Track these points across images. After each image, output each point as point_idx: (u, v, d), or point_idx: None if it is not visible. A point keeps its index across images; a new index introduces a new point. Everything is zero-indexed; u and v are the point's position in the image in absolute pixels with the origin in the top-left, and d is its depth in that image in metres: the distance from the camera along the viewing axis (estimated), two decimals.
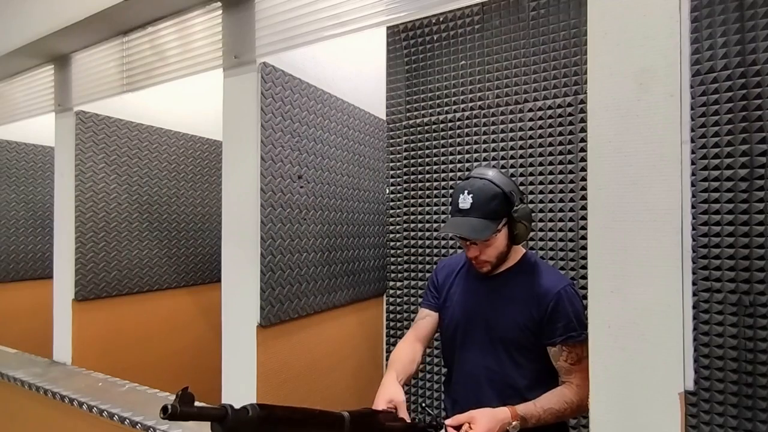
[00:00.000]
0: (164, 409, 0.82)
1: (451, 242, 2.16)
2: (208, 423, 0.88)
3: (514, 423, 1.21)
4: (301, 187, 1.75)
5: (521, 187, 1.94)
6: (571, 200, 1.85)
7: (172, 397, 0.84)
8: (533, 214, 1.92)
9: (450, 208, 1.43)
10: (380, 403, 1.26)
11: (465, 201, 1.34)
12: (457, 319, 1.51)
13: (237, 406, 0.91)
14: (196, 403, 0.86)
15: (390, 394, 1.28)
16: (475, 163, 2.08)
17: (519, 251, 1.48)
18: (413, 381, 2.25)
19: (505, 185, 1.36)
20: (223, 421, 0.87)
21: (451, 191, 2.15)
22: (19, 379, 1.94)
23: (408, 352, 1.49)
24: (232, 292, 1.67)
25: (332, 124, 1.91)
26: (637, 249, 0.98)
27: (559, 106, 1.88)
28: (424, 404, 2.22)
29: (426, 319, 1.58)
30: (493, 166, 2.01)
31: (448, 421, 1.21)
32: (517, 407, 1.24)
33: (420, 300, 2.22)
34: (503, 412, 1.21)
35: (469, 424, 1.19)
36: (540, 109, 1.92)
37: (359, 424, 1.11)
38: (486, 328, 1.43)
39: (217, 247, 2.73)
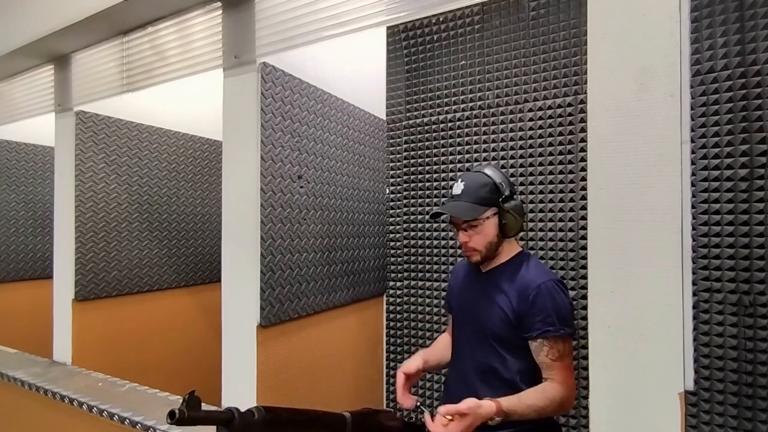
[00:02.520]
0: (171, 414, 0.81)
1: (451, 242, 2.16)
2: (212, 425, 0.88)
3: (497, 420, 1.21)
4: (301, 187, 1.75)
5: (521, 187, 1.95)
6: (571, 200, 1.85)
7: (173, 398, 0.84)
8: (532, 214, 1.92)
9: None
10: (399, 375, 1.44)
11: (457, 188, 1.43)
12: (456, 316, 1.56)
13: (239, 407, 0.91)
14: (203, 407, 0.86)
15: (407, 363, 1.47)
16: (475, 163, 2.07)
17: (514, 248, 1.49)
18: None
19: (496, 177, 1.43)
20: (230, 425, 0.87)
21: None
22: (19, 379, 1.94)
23: (443, 342, 1.63)
24: (232, 292, 1.67)
25: (332, 124, 1.91)
26: (637, 249, 0.98)
27: (559, 106, 1.87)
28: (421, 404, 2.22)
29: (450, 323, 1.65)
30: (492, 164, 2.02)
31: (442, 410, 1.20)
32: (502, 403, 1.22)
33: (420, 300, 2.24)
34: (489, 408, 1.20)
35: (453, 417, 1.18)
36: (540, 109, 1.92)
37: (360, 424, 1.12)
38: (476, 323, 1.45)
39: (217, 247, 2.72)
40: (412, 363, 1.47)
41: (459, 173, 1.48)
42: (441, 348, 1.61)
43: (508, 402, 1.24)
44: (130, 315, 2.43)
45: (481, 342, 1.43)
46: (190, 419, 0.83)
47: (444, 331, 1.72)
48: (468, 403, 1.19)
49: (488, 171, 1.45)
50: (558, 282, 1.40)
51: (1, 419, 2.14)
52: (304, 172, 1.76)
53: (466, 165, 2.10)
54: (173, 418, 0.81)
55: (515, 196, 1.45)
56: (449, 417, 1.18)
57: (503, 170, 1.91)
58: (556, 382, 1.32)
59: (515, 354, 1.38)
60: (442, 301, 2.21)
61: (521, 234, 1.91)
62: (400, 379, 1.44)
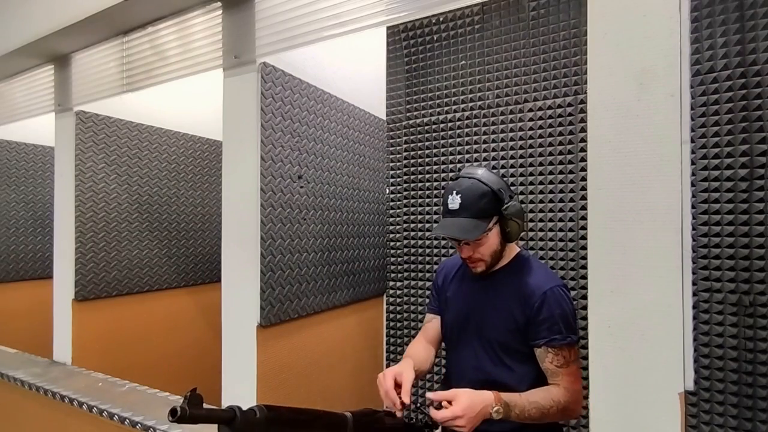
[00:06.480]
0: (173, 411, 0.80)
1: (451, 242, 2.16)
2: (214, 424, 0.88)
3: (496, 407, 1.17)
4: (301, 187, 1.75)
5: (521, 187, 1.94)
6: (571, 200, 1.85)
7: (173, 398, 0.84)
8: (532, 214, 1.92)
9: (441, 209, 1.42)
10: (387, 375, 1.23)
11: (454, 202, 1.33)
12: (452, 320, 1.50)
13: (241, 406, 0.91)
14: (204, 405, 0.85)
15: (399, 368, 1.26)
16: (475, 164, 2.08)
17: (513, 249, 1.46)
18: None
19: (493, 183, 1.34)
20: (232, 423, 0.86)
21: None
22: (19, 379, 1.94)
23: (422, 350, 1.49)
24: (232, 292, 1.66)
25: (332, 124, 1.91)
26: (637, 249, 0.98)
27: (559, 106, 1.87)
28: (420, 405, 2.22)
29: (432, 323, 1.57)
30: (483, 165, 2.01)
31: (430, 395, 1.18)
32: (501, 393, 1.21)
33: (420, 300, 2.24)
34: (486, 394, 1.19)
35: (449, 401, 1.16)
36: (540, 109, 1.92)
37: (361, 424, 1.12)
38: (476, 329, 1.42)
39: (217, 247, 2.73)
40: (406, 370, 1.26)
41: (450, 182, 1.41)
42: (422, 358, 1.45)
43: (508, 396, 1.22)
44: (130, 315, 2.43)
45: (487, 352, 1.39)
46: (192, 417, 0.82)
47: (418, 335, 1.58)
48: (454, 390, 1.16)
49: (483, 177, 1.34)
50: (563, 287, 1.37)
51: (1, 419, 2.14)
52: (304, 172, 1.76)
53: (466, 165, 2.10)
54: (174, 415, 0.80)
55: (514, 200, 1.38)
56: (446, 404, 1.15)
57: (495, 171, 1.89)
58: (561, 387, 1.30)
59: (524, 363, 1.36)
60: (421, 299, 2.20)
61: (521, 234, 1.92)
62: (387, 378, 1.23)
